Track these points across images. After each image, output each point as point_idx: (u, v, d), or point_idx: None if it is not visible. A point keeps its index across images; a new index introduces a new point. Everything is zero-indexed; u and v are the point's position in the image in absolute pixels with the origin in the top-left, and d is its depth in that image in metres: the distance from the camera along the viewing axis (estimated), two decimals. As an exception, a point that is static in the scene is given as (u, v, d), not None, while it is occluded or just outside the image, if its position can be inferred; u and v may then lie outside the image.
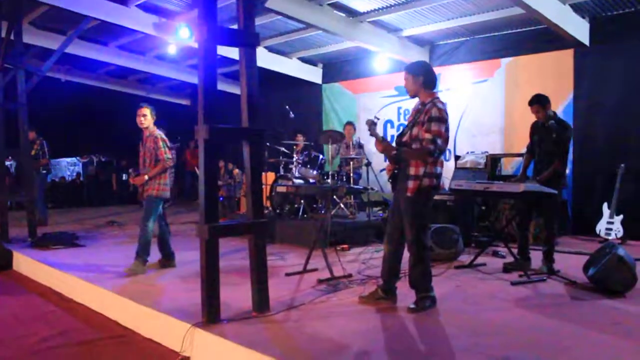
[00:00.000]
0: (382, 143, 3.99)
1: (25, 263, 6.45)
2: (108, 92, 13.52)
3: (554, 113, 5.31)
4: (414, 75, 4.00)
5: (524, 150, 5.80)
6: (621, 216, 7.02)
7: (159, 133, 5.67)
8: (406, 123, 4.18)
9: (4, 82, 7.86)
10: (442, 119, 3.85)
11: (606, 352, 3.13)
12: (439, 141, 3.83)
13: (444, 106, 3.94)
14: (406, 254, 4.09)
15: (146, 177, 5.51)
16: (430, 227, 4.10)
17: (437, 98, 3.99)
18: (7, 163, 12.28)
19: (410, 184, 3.89)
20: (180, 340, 3.53)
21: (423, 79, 3.98)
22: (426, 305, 3.96)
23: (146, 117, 5.59)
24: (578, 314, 3.89)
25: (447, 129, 3.92)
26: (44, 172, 9.57)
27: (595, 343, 3.27)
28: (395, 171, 4.06)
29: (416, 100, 4.13)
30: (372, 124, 4.13)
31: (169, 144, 5.68)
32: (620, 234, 6.97)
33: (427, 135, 3.82)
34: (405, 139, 4.02)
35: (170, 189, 5.86)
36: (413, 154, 3.90)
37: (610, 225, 7.06)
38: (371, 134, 4.12)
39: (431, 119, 3.83)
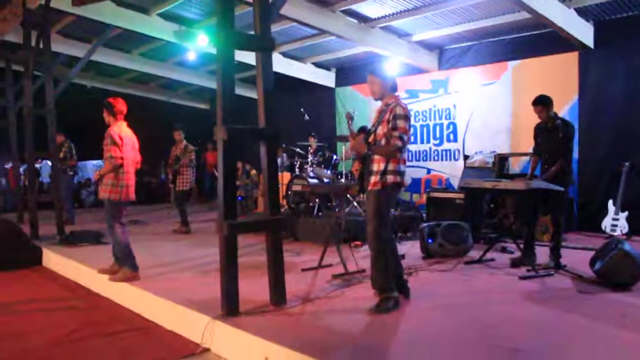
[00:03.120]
0: (355, 139, 3.95)
1: (54, 259, 6.62)
2: (131, 97, 13.48)
3: (555, 114, 5.42)
4: (382, 79, 4.04)
5: (530, 150, 5.88)
6: (626, 213, 7.05)
7: (116, 128, 5.16)
8: (370, 125, 4.17)
9: (34, 88, 8.14)
10: (407, 116, 3.89)
11: (614, 343, 3.16)
12: (405, 138, 3.88)
13: (407, 105, 4.01)
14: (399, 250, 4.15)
15: (98, 174, 5.11)
16: (389, 220, 4.11)
17: (400, 99, 4.05)
18: (37, 165, 12.56)
19: (373, 179, 3.92)
20: (201, 333, 3.63)
21: (391, 83, 4.05)
22: (389, 307, 3.81)
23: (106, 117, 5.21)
24: (585, 307, 3.94)
25: (410, 127, 3.95)
26: (71, 173, 9.67)
27: (602, 334, 3.31)
28: (364, 169, 4.07)
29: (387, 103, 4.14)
30: (349, 118, 4.14)
31: (119, 141, 5.09)
32: (625, 230, 7.00)
33: (395, 133, 3.85)
34: (371, 139, 4.04)
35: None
36: (383, 151, 3.90)
37: (615, 221, 7.09)
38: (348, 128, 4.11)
39: (397, 116, 3.85)
